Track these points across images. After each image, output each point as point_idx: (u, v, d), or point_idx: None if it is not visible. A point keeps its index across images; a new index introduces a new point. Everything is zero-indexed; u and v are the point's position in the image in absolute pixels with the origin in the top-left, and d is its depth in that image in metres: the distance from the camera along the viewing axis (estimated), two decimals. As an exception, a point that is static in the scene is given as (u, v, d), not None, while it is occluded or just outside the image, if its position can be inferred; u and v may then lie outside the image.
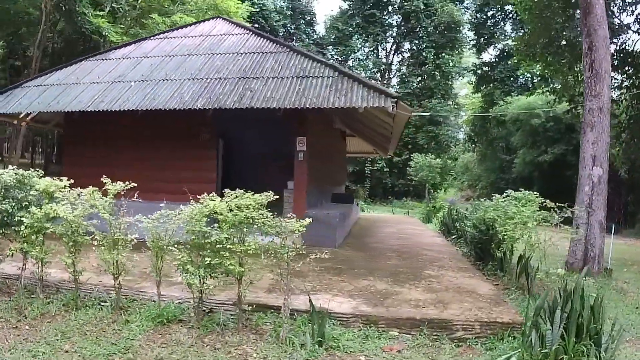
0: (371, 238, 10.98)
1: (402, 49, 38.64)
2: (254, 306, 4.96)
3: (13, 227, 4.98)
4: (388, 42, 38.83)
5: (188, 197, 4.86)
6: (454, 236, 10.78)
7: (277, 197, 4.65)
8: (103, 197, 4.91)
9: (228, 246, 4.23)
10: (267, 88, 7.72)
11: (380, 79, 38.60)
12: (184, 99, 7.61)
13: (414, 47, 36.41)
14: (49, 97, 8.18)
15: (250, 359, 4.00)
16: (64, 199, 4.93)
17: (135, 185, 5.02)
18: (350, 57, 39.13)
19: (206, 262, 4.31)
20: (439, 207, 17.04)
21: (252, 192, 4.58)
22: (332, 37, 38.23)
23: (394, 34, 38.05)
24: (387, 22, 37.75)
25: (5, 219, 5.01)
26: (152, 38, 10.52)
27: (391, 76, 38.89)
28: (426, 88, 33.28)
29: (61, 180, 5.22)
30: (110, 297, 5.14)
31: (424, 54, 34.01)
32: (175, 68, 8.76)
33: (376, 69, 38.82)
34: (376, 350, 4.31)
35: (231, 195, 4.51)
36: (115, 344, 4.12)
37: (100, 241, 4.73)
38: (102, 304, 4.97)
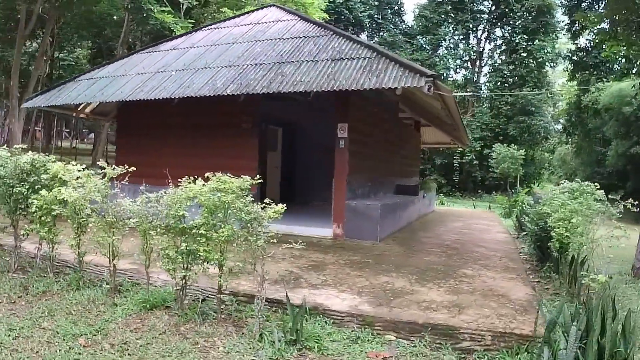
0: (427, 232, 10.18)
1: (494, 36, 35.98)
2: (247, 297, 4.74)
3: (28, 209, 5.25)
4: (479, 30, 36.43)
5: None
6: (524, 233, 9.59)
7: (261, 180, 4.29)
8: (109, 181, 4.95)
9: (201, 232, 3.98)
10: (299, 72, 7.39)
11: (470, 67, 36.39)
12: (216, 86, 7.56)
13: (506, 34, 33.73)
14: (95, 89, 8.67)
15: (213, 352, 3.72)
16: (72, 182, 5.03)
17: (135, 169, 4.98)
18: (441, 46, 37.37)
19: (181, 248, 4.11)
20: (520, 202, 15.38)
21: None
22: (421, 26, 36.70)
23: (485, 21, 35.55)
24: (477, 8, 35.34)
25: (21, 200, 5.28)
26: (203, 29, 10.73)
27: (482, 65, 36.39)
28: (518, 76, 30.65)
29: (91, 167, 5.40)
30: (116, 280, 5.23)
31: (515, 40, 31.32)
32: (217, 56, 8.79)
33: (467, 58, 36.65)
34: (360, 355, 3.79)
35: (214, 179, 4.25)
36: (91, 325, 4.08)
37: (95, 223, 4.78)
38: (103, 285, 5.03)
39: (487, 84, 33.51)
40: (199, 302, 4.57)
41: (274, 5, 11.13)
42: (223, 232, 3.90)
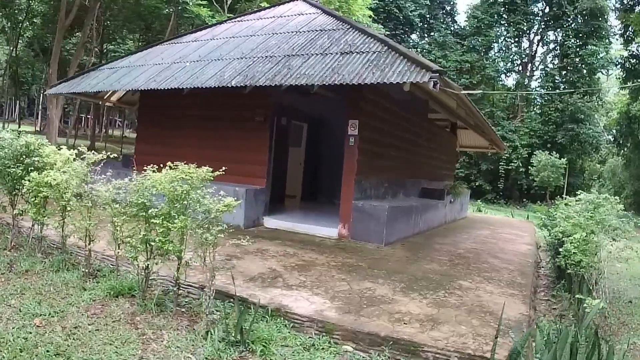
0: (445, 239, 9.65)
1: (547, 40, 34.23)
2: (215, 293, 4.61)
3: (22, 190, 5.39)
4: (531, 32, 34.75)
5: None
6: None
7: (224, 172, 4.14)
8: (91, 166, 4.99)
9: (156, 221, 3.89)
10: (305, 65, 7.18)
11: (522, 70, 34.79)
12: (223, 77, 7.50)
13: (559, 38, 32.15)
14: (114, 78, 8.87)
15: (154, 344, 3.60)
16: (57, 165, 5.11)
17: (116, 156, 4.98)
18: (492, 48, 36.01)
19: (139, 237, 4.04)
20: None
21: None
22: (473, 27, 35.48)
23: (537, 23, 33.86)
24: (530, 9, 33.68)
25: (16, 181, 5.43)
26: (227, 21, 10.74)
27: (534, 69, 34.70)
28: (569, 82, 28.98)
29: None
30: (101, 265, 5.28)
31: (567, 44, 29.68)
32: (232, 48, 8.74)
33: (518, 61, 35.11)
34: (306, 364, 3.56)
35: (179, 169, 4.14)
36: (54, 307, 4.09)
37: (73, 207, 4.81)
38: (80, 269, 5.07)
39: (538, 89, 31.93)
40: (165, 293, 4.50)
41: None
42: (177, 223, 3.78)
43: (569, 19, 30.63)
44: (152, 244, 4.06)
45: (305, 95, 11.33)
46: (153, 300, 4.22)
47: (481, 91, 24.92)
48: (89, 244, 4.86)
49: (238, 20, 10.51)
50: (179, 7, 15.50)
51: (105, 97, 10.29)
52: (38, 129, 21.36)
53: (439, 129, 14.70)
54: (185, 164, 4.16)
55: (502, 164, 30.04)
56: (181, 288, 4.62)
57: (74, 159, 5.06)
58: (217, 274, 5.15)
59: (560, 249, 4.91)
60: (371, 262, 6.52)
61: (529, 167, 23.44)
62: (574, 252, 4.72)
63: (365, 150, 8.40)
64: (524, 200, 29.27)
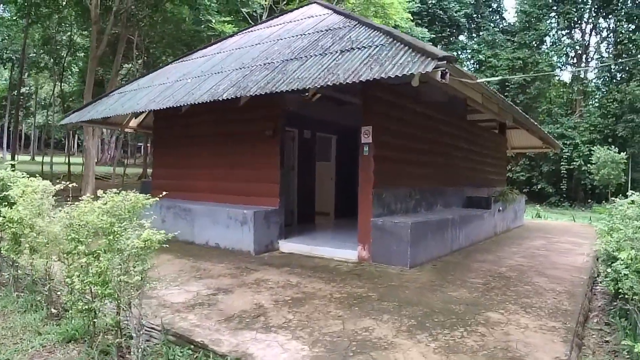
0: (488, 255, 8.42)
1: (599, 28, 31.54)
2: (176, 337, 3.95)
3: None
4: (583, 21, 32.13)
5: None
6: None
7: (158, 198, 3.48)
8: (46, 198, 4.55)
9: (83, 260, 3.29)
10: (301, 69, 6.47)
11: (577, 63, 32.14)
12: (217, 91, 6.95)
13: (611, 24, 29.62)
14: (119, 103, 8.59)
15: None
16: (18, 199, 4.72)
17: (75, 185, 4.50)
18: (544, 42, 33.68)
19: (73, 278, 3.46)
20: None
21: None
22: (522, 22, 33.43)
23: (588, 10, 31.29)
24: (580, -2, 31.18)
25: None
26: (238, 33, 10.30)
27: (589, 60, 31.98)
28: (624, 70, 26.32)
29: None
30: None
31: (620, 30, 27.10)
32: (234, 60, 8.22)
33: (572, 53, 32.59)
34: None
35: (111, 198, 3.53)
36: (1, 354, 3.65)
37: (29, 242, 4.37)
38: (44, 310, 4.60)
39: (594, 80, 29.30)
40: (118, 338, 3.89)
41: (315, 3, 10.32)
42: (102, 262, 3.16)
43: (620, 3, 28.21)
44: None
45: (333, 105, 10.61)
46: (97, 348, 3.62)
47: (500, 77, 22.83)
48: (49, 282, 4.38)
49: (249, 31, 10.03)
50: (202, 26, 15.34)
51: (123, 123, 10.13)
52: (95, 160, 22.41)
53: (483, 130, 13.37)
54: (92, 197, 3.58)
55: (563, 163, 27.67)
56: (147, 330, 4.01)
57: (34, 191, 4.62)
58: (191, 313, 4.55)
59: (609, 269, 3.80)
60: (385, 291, 5.58)
61: (589, 164, 21.22)
62: (624, 275, 3.60)
63: (384, 158, 7.50)
64: (589, 201, 26.63)
